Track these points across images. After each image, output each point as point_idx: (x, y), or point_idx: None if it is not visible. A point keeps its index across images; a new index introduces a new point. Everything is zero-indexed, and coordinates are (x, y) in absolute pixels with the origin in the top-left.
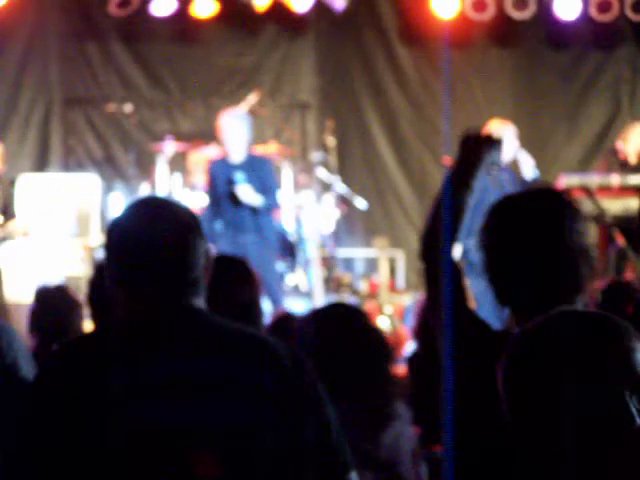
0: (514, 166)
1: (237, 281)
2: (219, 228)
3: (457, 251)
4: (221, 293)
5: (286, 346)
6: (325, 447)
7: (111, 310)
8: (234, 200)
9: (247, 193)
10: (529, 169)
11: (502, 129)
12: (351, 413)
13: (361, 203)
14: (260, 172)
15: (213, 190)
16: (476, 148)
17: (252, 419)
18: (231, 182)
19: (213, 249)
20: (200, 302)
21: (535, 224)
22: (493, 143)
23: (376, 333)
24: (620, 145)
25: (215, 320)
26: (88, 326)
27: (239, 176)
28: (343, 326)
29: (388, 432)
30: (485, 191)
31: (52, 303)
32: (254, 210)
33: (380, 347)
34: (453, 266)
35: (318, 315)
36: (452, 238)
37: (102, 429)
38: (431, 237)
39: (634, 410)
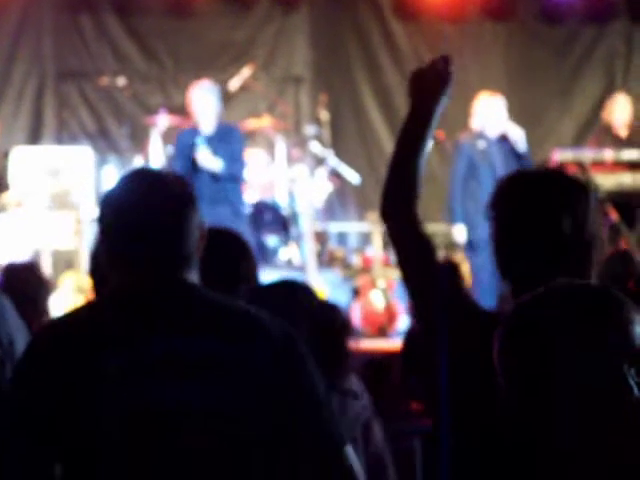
0: (503, 139)
1: (239, 256)
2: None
3: (460, 230)
4: (222, 268)
5: (278, 321)
6: (318, 422)
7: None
8: (195, 166)
9: (206, 158)
10: (519, 141)
11: (491, 100)
12: None
13: (354, 177)
14: (228, 142)
15: (179, 161)
16: (427, 86)
17: (245, 396)
18: (193, 147)
19: None
20: (193, 276)
21: (548, 203)
22: (441, 82)
23: (322, 307)
24: (607, 118)
25: (208, 295)
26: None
27: (200, 140)
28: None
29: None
30: (473, 166)
31: (18, 280)
32: (219, 179)
33: (327, 322)
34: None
35: (263, 293)
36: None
37: (95, 408)
38: (391, 195)
39: (632, 382)
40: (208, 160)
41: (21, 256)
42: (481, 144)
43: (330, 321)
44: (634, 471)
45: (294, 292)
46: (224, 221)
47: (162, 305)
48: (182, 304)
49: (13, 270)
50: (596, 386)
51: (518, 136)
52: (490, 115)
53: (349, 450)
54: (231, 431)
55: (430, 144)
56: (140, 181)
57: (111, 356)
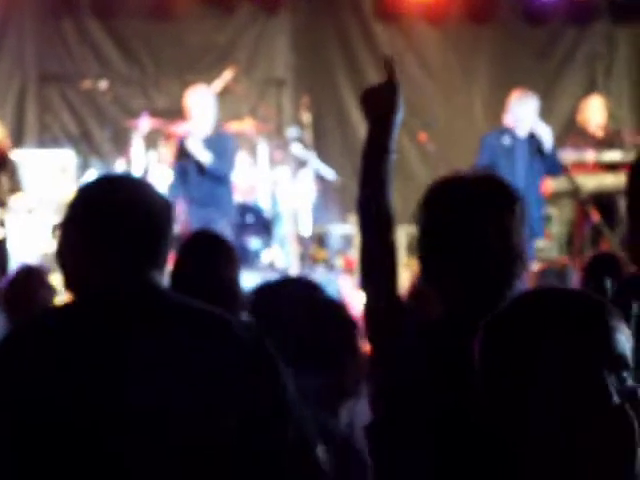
0: (531, 137)
1: (223, 260)
2: (185, 205)
3: None
4: (207, 271)
5: (246, 324)
6: (289, 424)
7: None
8: (182, 152)
9: (196, 146)
10: (546, 140)
11: (523, 98)
12: (311, 387)
13: (336, 179)
14: (220, 144)
15: (181, 164)
16: (379, 105)
17: (211, 397)
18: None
19: (178, 226)
20: (160, 278)
21: (473, 211)
22: (391, 94)
23: (337, 308)
24: (582, 120)
25: (177, 298)
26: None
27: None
28: (303, 302)
29: (347, 408)
30: (494, 161)
31: (23, 282)
32: (206, 175)
33: (342, 322)
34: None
35: (274, 290)
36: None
37: (62, 410)
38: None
39: (612, 389)
40: (198, 149)
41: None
42: (506, 140)
43: (341, 319)
44: (612, 477)
45: (306, 289)
46: (210, 223)
47: (133, 307)
48: (151, 306)
49: (19, 272)
50: (575, 392)
51: (545, 134)
52: (520, 113)
53: (320, 452)
54: (197, 430)
55: (394, 155)
56: (112, 183)
57: (82, 357)
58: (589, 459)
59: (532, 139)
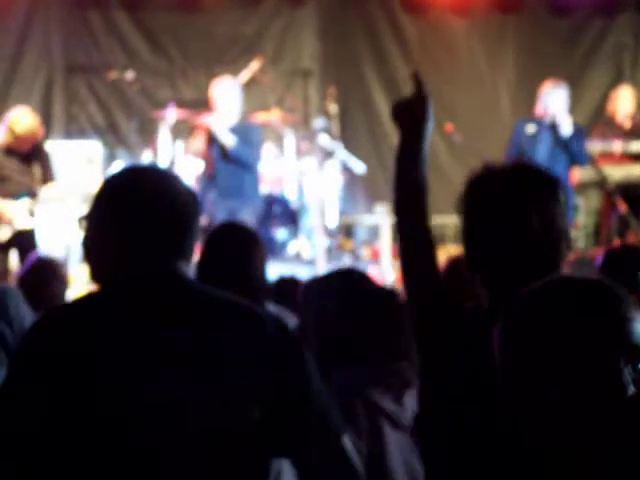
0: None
1: (250, 251)
2: (212, 196)
3: None
4: (234, 263)
5: (273, 316)
6: (316, 411)
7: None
8: (211, 139)
9: (221, 129)
10: (563, 126)
11: (552, 88)
12: (377, 374)
13: (363, 169)
14: (245, 136)
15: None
16: (411, 118)
17: (237, 388)
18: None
19: (205, 218)
20: (187, 268)
21: (516, 198)
22: (423, 105)
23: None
24: (611, 110)
25: (204, 289)
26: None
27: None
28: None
29: (410, 395)
30: (521, 150)
31: (36, 273)
32: (239, 169)
33: (390, 310)
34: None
35: (333, 280)
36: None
37: (90, 401)
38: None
39: (627, 379)
40: (222, 132)
41: (45, 251)
42: (531, 128)
43: (391, 305)
44: (630, 468)
45: (353, 280)
46: (235, 214)
47: (159, 297)
48: (179, 296)
49: (35, 264)
50: (592, 381)
51: (563, 121)
52: (550, 102)
53: (346, 439)
54: (223, 420)
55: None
56: (139, 174)
57: (102, 347)
58: (606, 449)
59: (557, 128)
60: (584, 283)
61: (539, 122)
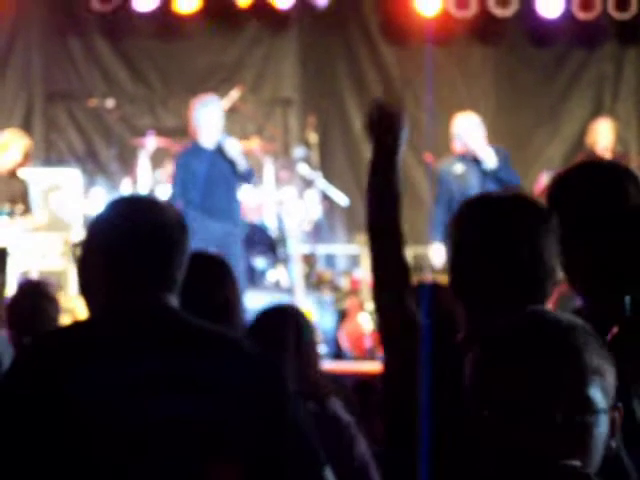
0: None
1: (213, 281)
2: (189, 217)
3: (439, 251)
4: (197, 293)
5: (256, 347)
6: (297, 441)
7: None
8: (220, 152)
9: (235, 146)
10: (489, 159)
11: (465, 121)
12: None
13: (342, 199)
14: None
15: (185, 178)
16: (385, 128)
17: (224, 412)
18: (215, 153)
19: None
20: (174, 300)
21: (508, 229)
22: (395, 117)
23: None
24: (590, 142)
25: (187, 319)
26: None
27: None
28: None
29: None
30: (450, 191)
31: (29, 297)
32: (229, 193)
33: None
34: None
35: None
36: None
37: (76, 428)
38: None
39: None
40: (237, 149)
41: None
42: (458, 168)
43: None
44: None
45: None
46: (219, 239)
47: (142, 327)
48: (165, 326)
49: (24, 287)
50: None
51: (485, 156)
52: (466, 136)
53: (328, 470)
54: (209, 446)
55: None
56: (132, 206)
57: (88, 374)
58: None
59: (480, 162)
60: (554, 322)
61: (463, 159)
